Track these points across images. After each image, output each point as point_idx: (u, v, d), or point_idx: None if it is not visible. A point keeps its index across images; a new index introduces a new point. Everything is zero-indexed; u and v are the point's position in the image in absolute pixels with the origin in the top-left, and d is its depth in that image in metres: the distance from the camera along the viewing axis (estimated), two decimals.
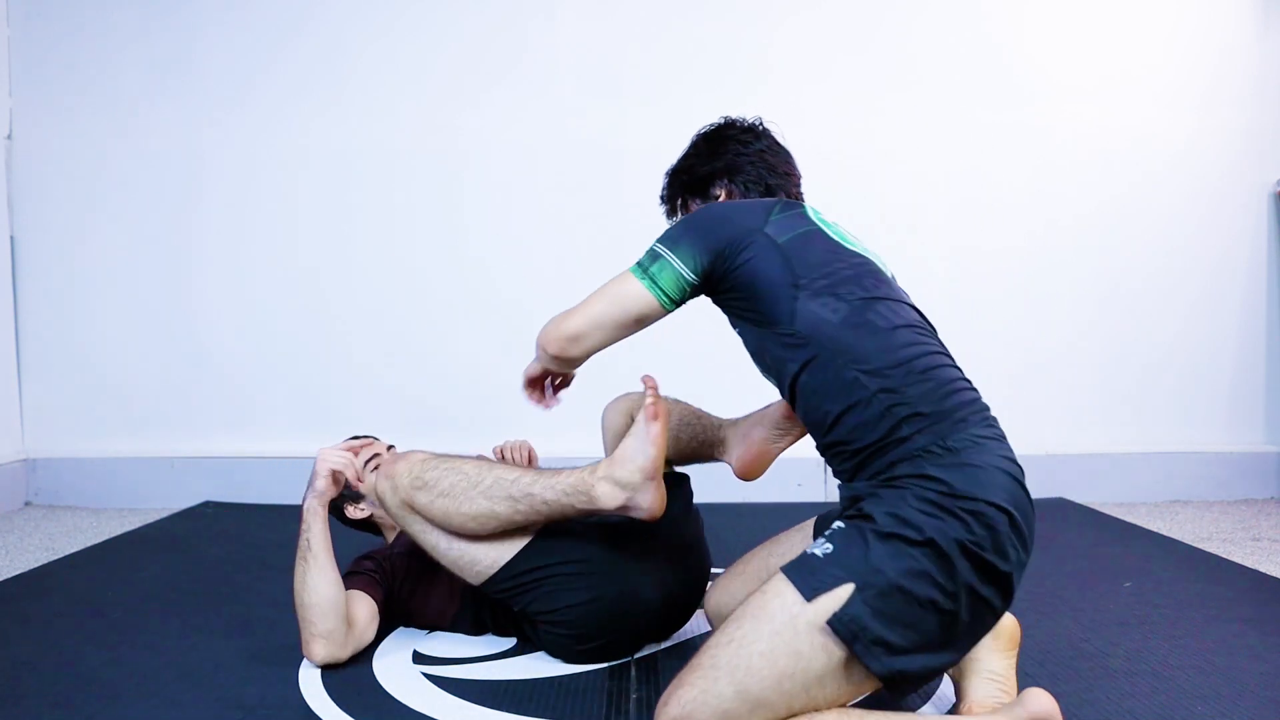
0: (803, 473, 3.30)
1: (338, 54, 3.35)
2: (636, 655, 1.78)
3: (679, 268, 1.48)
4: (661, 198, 1.82)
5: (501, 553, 1.65)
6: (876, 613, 1.24)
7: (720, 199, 1.71)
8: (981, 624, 1.32)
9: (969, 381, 1.52)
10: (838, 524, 1.34)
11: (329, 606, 1.66)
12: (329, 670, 1.71)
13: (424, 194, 3.37)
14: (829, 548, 1.30)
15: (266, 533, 2.86)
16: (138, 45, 3.35)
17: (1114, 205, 3.37)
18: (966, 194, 3.36)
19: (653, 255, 1.51)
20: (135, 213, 3.37)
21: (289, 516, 3.04)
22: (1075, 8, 3.35)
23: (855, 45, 3.35)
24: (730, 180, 1.72)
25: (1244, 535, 2.79)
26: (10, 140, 3.37)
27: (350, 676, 1.68)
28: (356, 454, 1.82)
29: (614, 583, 1.67)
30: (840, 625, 1.23)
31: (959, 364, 1.55)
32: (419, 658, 1.77)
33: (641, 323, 1.51)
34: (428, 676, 1.68)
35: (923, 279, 3.38)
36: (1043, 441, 3.37)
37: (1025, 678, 1.64)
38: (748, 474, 1.84)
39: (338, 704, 1.56)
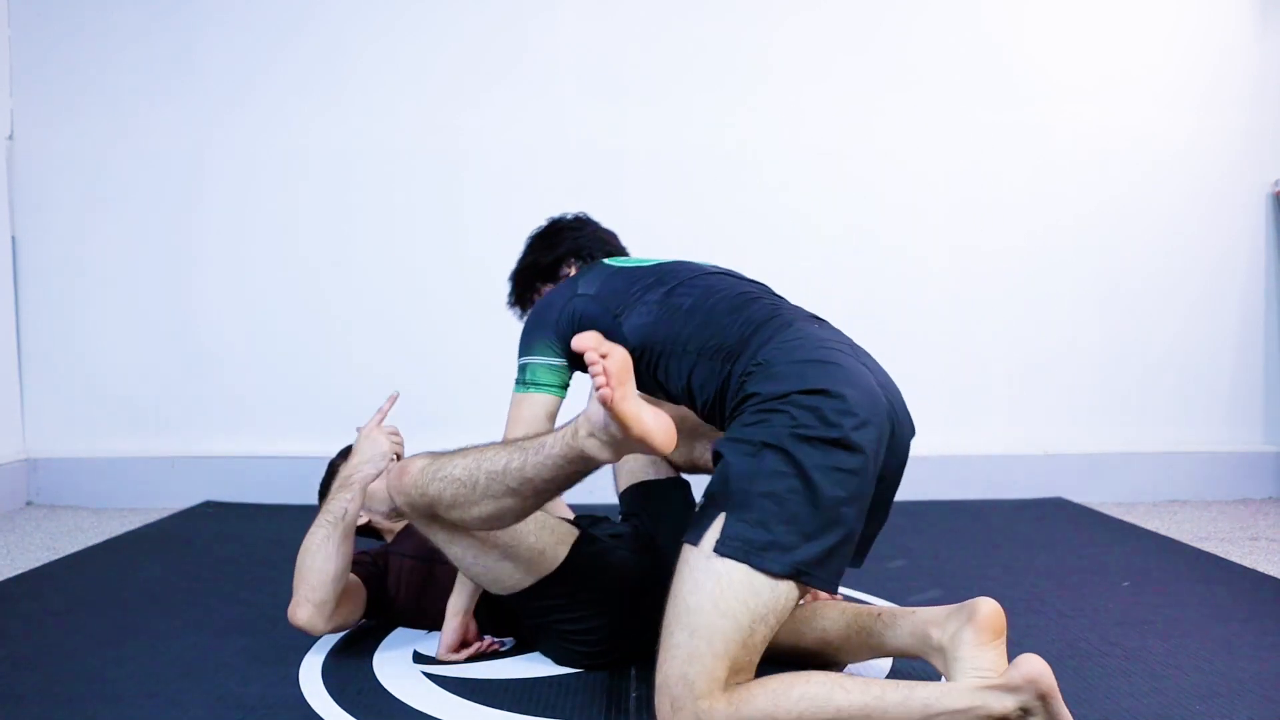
0: None
1: (338, 54, 3.35)
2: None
3: (545, 361, 1.69)
4: (510, 301, 2.00)
5: (525, 576, 1.63)
6: (754, 524, 1.34)
7: (570, 276, 1.87)
8: (849, 488, 1.37)
9: (779, 300, 1.67)
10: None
11: (333, 579, 1.65)
12: (329, 670, 1.71)
13: (424, 194, 3.37)
14: (701, 500, 1.43)
15: (266, 533, 2.86)
16: (138, 45, 3.35)
17: (1114, 205, 3.37)
18: (966, 194, 3.36)
19: (521, 369, 1.70)
20: (136, 213, 3.38)
21: (289, 516, 3.04)
22: (1075, 8, 3.36)
23: (855, 45, 3.35)
24: (577, 259, 1.92)
25: (1242, 535, 2.79)
26: (11, 141, 3.37)
27: (351, 676, 1.69)
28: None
29: (635, 614, 1.66)
30: (727, 548, 1.34)
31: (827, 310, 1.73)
32: (419, 657, 1.78)
33: (553, 418, 1.69)
34: (428, 676, 1.68)
35: (923, 279, 3.39)
36: (1042, 441, 3.38)
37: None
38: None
39: (338, 703, 1.57)
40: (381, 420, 1.85)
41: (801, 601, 1.63)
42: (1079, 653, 1.77)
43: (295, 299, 3.38)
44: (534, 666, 1.72)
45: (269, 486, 3.27)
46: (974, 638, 1.41)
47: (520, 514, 1.52)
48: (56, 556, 2.61)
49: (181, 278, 3.39)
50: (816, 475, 1.34)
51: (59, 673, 1.72)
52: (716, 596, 1.32)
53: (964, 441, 3.36)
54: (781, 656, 1.58)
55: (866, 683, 1.33)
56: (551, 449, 1.44)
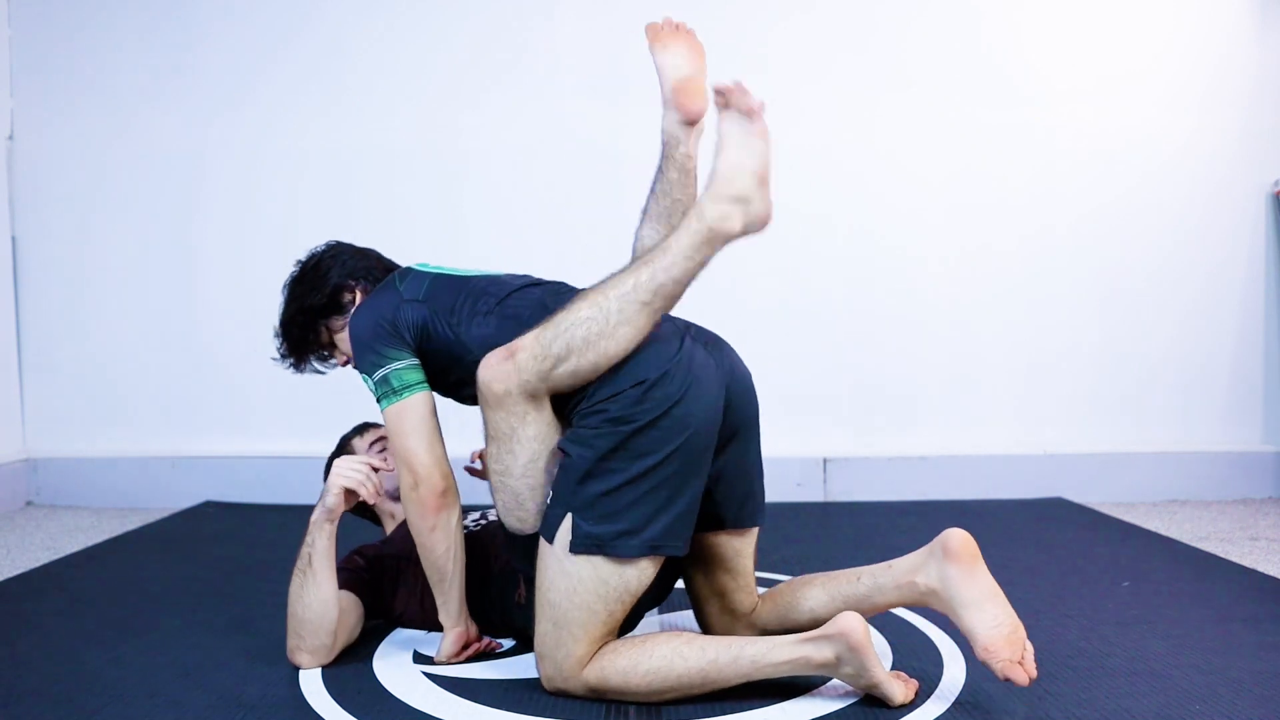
0: (803, 472, 3.30)
1: (338, 54, 3.35)
2: None
3: (403, 364, 1.64)
4: (285, 352, 1.94)
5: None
6: (599, 519, 1.47)
7: (355, 300, 1.86)
8: (681, 459, 1.48)
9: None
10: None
11: (321, 623, 1.67)
12: (329, 670, 1.71)
13: (424, 194, 3.37)
14: (551, 494, 1.53)
15: (266, 533, 2.86)
16: (138, 45, 3.35)
17: (1114, 205, 3.37)
18: (966, 194, 3.36)
19: (383, 380, 1.64)
20: (136, 213, 3.38)
21: (289, 516, 3.04)
22: (1074, 8, 3.36)
23: (854, 45, 3.35)
24: (357, 280, 1.87)
25: (1242, 535, 2.79)
26: (12, 141, 3.37)
27: (350, 676, 1.69)
28: (376, 470, 1.72)
29: None
30: (579, 547, 1.48)
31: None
32: (419, 657, 1.78)
33: (435, 412, 1.68)
34: (428, 676, 1.68)
35: (922, 279, 3.39)
36: (1042, 441, 3.38)
37: None
38: (685, 102, 1.87)
39: (338, 703, 1.57)
40: (356, 464, 1.71)
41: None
42: (1079, 653, 1.77)
43: None
44: (534, 667, 1.72)
45: (269, 486, 3.27)
46: (957, 570, 1.54)
47: (653, 326, 1.51)
48: (56, 556, 2.61)
49: (182, 277, 3.39)
50: (648, 459, 1.46)
51: (59, 673, 1.72)
52: (571, 592, 1.49)
53: (964, 441, 3.37)
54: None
55: (702, 647, 1.50)
56: (679, 243, 1.46)
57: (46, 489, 3.39)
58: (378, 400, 1.65)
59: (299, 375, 1.97)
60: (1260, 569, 2.38)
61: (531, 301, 1.68)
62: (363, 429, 2.13)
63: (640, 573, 1.51)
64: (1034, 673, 1.46)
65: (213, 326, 3.38)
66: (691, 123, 1.82)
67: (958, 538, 1.56)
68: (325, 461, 2.01)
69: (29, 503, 3.38)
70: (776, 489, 3.21)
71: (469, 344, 1.64)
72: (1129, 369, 3.39)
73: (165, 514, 3.16)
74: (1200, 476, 3.34)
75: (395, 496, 1.95)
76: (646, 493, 1.47)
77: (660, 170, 1.89)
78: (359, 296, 1.85)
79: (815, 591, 1.70)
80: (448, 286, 1.71)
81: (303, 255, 1.97)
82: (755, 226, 1.47)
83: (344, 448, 2.09)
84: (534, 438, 1.53)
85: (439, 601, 1.71)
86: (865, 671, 1.47)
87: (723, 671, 1.49)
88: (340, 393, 3.36)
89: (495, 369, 1.51)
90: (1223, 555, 2.51)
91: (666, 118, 1.88)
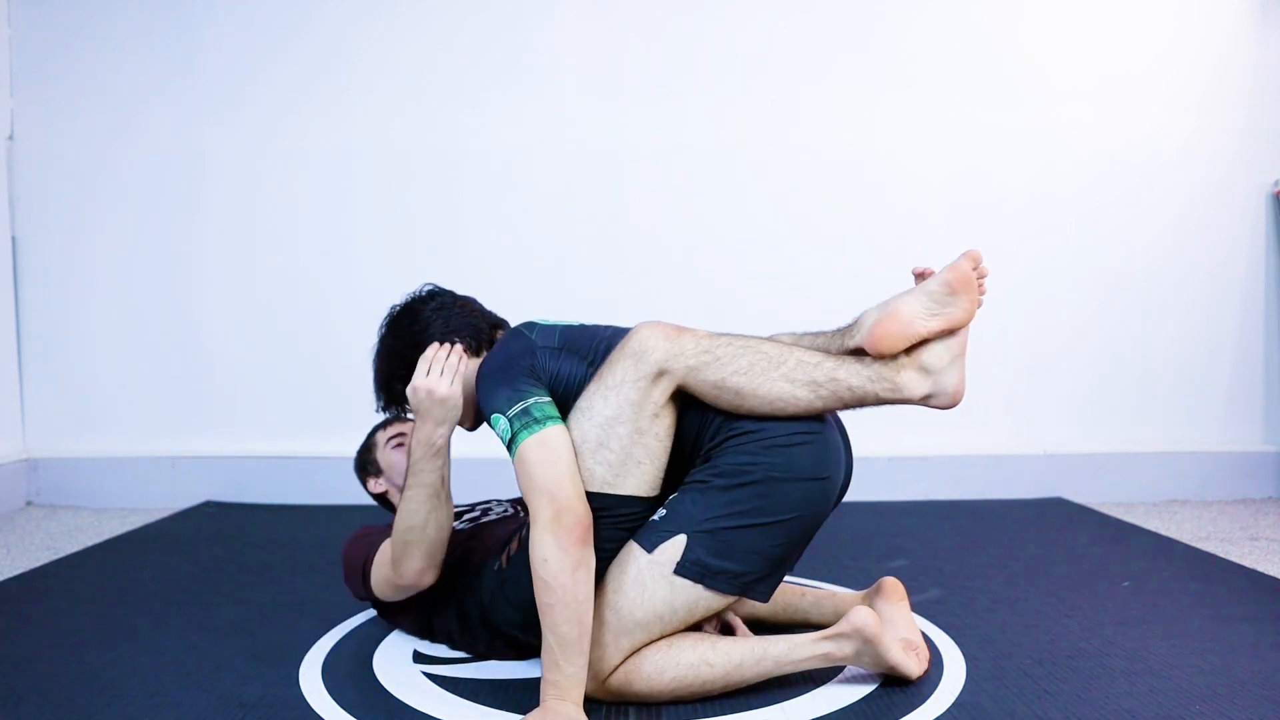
0: None
1: (338, 54, 3.35)
2: None
3: (544, 399, 1.55)
4: (386, 402, 1.82)
5: (637, 480, 1.54)
6: (713, 552, 1.50)
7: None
8: (807, 513, 1.54)
9: None
10: (674, 495, 1.56)
11: (439, 540, 1.67)
12: (329, 670, 1.71)
13: (424, 194, 3.37)
14: (664, 512, 1.54)
15: (266, 533, 2.86)
16: (138, 45, 3.35)
17: (1114, 205, 3.37)
18: (966, 195, 3.36)
19: (524, 412, 1.52)
20: (136, 213, 3.38)
21: (289, 516, 3.05)
22: (1075, 8, 3.35)
23: (854, 45, 3.35)
24: (455, 336, 1.74)
25: (1242, 535, 2.79)
26: (11, 141, 3.37)
27: (350, 676, 1.69)
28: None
29: None
30: (685, 570, 1.50)
31: None
32: (419, 657, 1.78)
33: (574, 450, 1.54)
34: (428, 676, 1.68)
35: None
36: (1042, 441, 3.38)
37: (1025, 677, 1.64)
38: (878, 344, 1.56)
39: (338, 703, 1.57)
40: (429, 371, 1.66)
41: None
42: (1079, 653, 1.77)
43: (295, 299, 3.38)
44: (534, 668, 1.72)
45: (269, 486, 3.28)
46: (887, 604, 1.72)
47: (800, 410, 1.54)
48: (56, 556, 2.61)
49: (181, 278, 3.39)
50: (784, 514, 1.52)
51: (59, 673, 1.72)
52: (638, 604, 1.51)
53: (964, 441, 3.36)
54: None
55: (727, 652, 1.54)
56: (868, 364, 1.55)
57: (46, 489, 3.38)
58: (513, 437, 1.51)
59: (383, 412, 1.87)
60: (1260, 569, 2.38)
61: None
62: (385, 424, 2.06)
63: (711, 608, 1.54)
64: (924, 666, 1.64)
65: (213, 326, 3.38)
66: (865, 352, 1.61)
67: (891, 581, 1.77)
68: (356, 459, 2.05)
69: (29, 503, 3.38)
70: (726, 574, 3.22)
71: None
72: (1129, 369, 3.39)
73: (165, 514, 3.16)
74: (1200, 476, 3.34)
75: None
76: (769, 545, 1.52)
77: (830, 339, 1.71)
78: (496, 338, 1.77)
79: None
80: (580, 334, 1.66)
81: (400, 298, 1.84)
82: (944, 399, 1.61)
83: (370, 444, 2.06)
84: (632, 402, 1.51)
85: (574, 666, 1.45)
86: (882, 657, 1.56)
87: (745, 673, 1.55)
88: (340, 393, 3.37)
89: (659, 329, 1.53)
90: (1223, 555, 2.51)
91: (866, 315, 1.63)
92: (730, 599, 1.55)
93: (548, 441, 1.50)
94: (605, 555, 1.54)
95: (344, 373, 3.35)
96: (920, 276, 1.68)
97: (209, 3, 3.35)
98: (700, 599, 1.52)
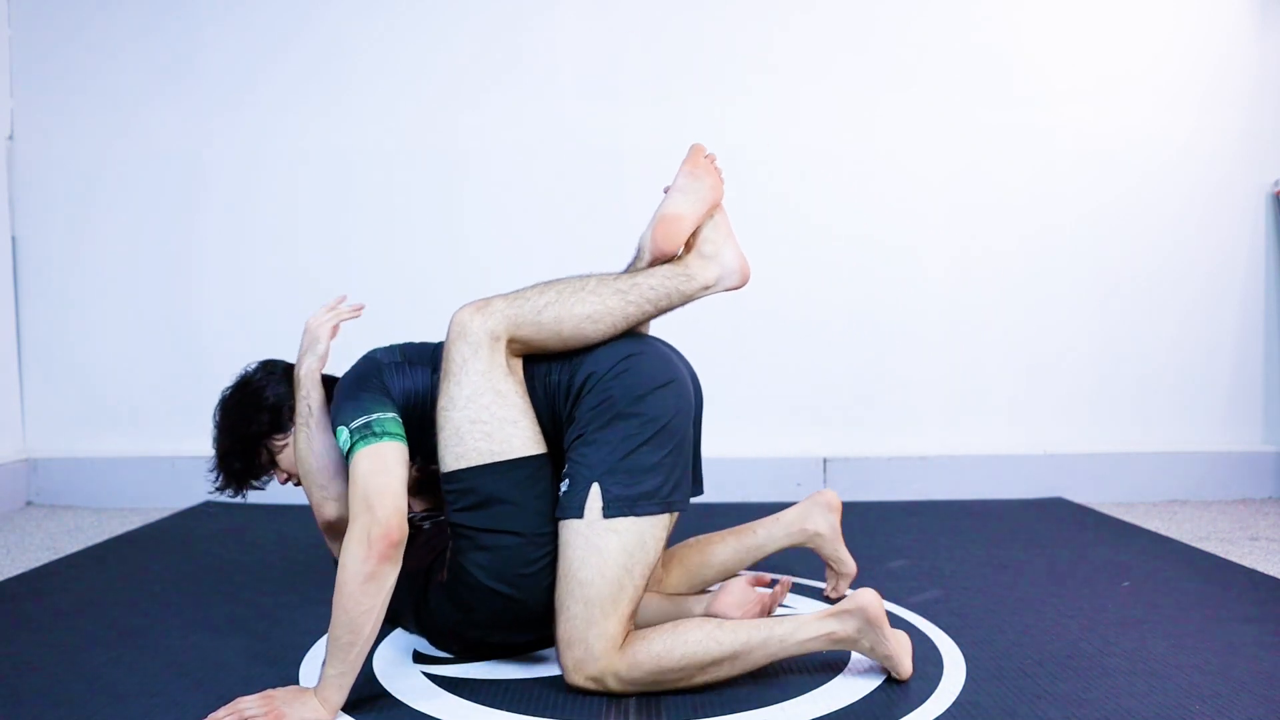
0: (803, 472, 3.30)
1: (338, 54, 3.35)
2: None
3: (387, 415, 1.61)
4: (224, 483, 1.91)
5: (508, 445, 1.61)
6: (625, 482, 1.58)
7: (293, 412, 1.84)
8: (675, 412, 1.65)
9: None
10: (566, 465, 1.64)
11: (335, 469, 1.72)
12: None
13: (424, 194, 3.37)
14: (567, 483, 1.61)
15: (266, 533, 2.86)
16: (138, 45, 3.35)
17: (1114, 205, 3.37)
18: (966, 194, 3.36)
19: (364, 426, 1.58)
20: (136, 213, 3.38)
21: (289, 516, 3.05)
22: (1075, 8, 3.36)
23: (854, 45, 3.35)
24: (291, 394, 1.85)
25: (1242, 535, 2.79)
26: (11, 141, 3.37)
27: None
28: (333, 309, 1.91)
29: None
30: (613, 510, 1.57)
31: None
32: (419, 657, 1.78)
33: (408, 468, 1.60)
34: (428, 676, 1.68)
35: (922, 279, 3.39)
36: (1042, 441, 3.38)
37: (1025, 677, 1.64)
38: (661, 244, 1.78)
39: None
40: (326, 312, 1.87)
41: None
42: (1079, 653, 1.77)
43: (295, 299, 3.37)
44: (534, 668, 1.72)
45: (269, 486, 3.26)
46: (836, 517, 2.04)
47: (619, 320, 1.68)
48: (56, 556, 2.61)
49: (182, 278, 3.39)
50: (658, 422, 1.62)
51: (59, 673, 1.72)
52: (602, 567, 1.55)
53: (964, 441, 3.37)
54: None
55: (734, 630, 1.58)
56: (660, 266, 1.75)
57: (46, 489, 3.39)
58: (350, 448, 1.56)
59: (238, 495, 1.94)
60: (1260, 569, 2.38)
61: None
62: None
63: (657, 536, 1.61)
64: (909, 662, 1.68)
65: (213, 326, 3.38)
66: (657, 261, 1.78)
67: (831, 493, 2.06)
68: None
69: (29, 503, 3.38)
70: (776, 489, 3.24)
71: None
72: (1129, 369, 3.39)
73: (165, 514, 3.16)
74: (1200, 476, 3.34)
75: None
76: (662, 455, 1.62)
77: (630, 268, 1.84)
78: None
79: (720, 548, 2.00)
80: (417, 346, 1.81)
81: (229, 382, 1.96)
82: (734, 278, 1.78)
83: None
84: (480, 372, 1.60)
85: (335, 670, 1.47)
86: (880, 643, 1.59)
87: (753, 653, 1.58)
88: None
89: (467, 308, 1.65)
90: (1223, 555, 2.52)
91: (644, 234, 1.83)
92: (665, 524, 1.63)
93: (380, 453, 1.55)
94: (538, 514, 1.61)
95: (344, 372, 3.36)
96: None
97: (209, 3, 3.35)
98: (642, 532, 1.58)
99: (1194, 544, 2.64)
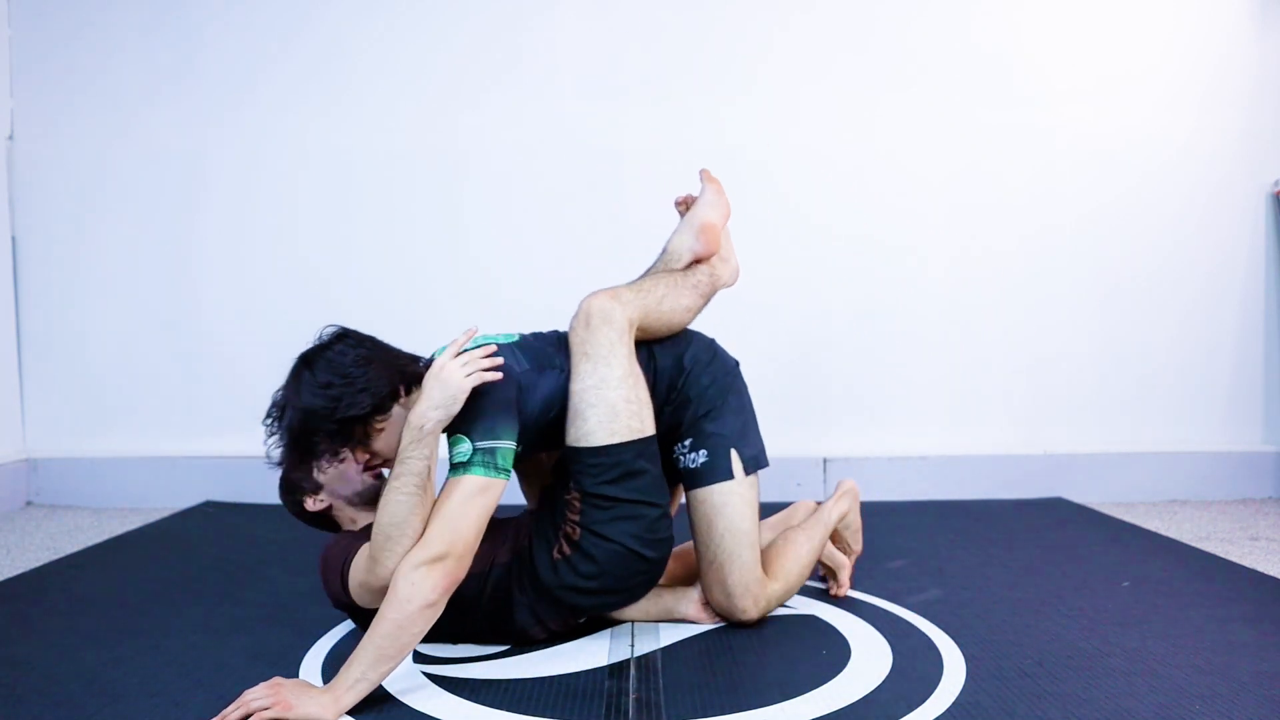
0: (803, 472, 3.30)
1: (338, 54, 3.35)
2: (636, 654, 1.78)
3: (510, 447, 1.63)
4: (297, 461, 1.77)
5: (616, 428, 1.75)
6: (753, 446, 1.92)
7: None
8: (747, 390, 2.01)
9: None
10: (689, 440, 1.88)
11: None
12: (329, 670, 1.71)
13: (424, 194, 3.37)
14: (705, 453, 1.86)
15: (267, 533, 2.86)
16: (138, 45, 3.35)
17: (1114, 205, 3.37)
18: (966, 194, 3.36)
19: (490, 451, 1.60)
20: (136, 213, 3.38)
21: (289, 517, 3.04)
22: (1075, 8, 3.36)
23: (854, 45, 3.35)
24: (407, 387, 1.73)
25: (1242, 535, 2.79)
26: (11, 141, 3.37)
27: None
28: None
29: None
30: (750, 467, 1.89)
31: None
32: (419, 657, 1.78)
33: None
34: (428, 676, 1.68)
35: (922, 279, 3.39)
36: (1042, 441, 3.38)
37: (1025, 677, 1.64)
38: (712, 245, 2.02)
39: None
40: (455, 354, 1.66)
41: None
42: (1079, 653, 1.77)
43: (295, 299, 3.38)
44: (534, 668, 1.72)
45: (269, 486, 3.24)
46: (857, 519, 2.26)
47: (696, 312, 1.97)
48: (56, 556, 2.61)
49: (182, 278, 3.39)
50: (745, 395, 1.97)
51: (59, 673, 1.72)
52: (751, 516, 1.86)
53: (964, 441, 3.37)
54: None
55: (809, 533, 2.02)
56: (700, 269, 2.00)
57: (46, 489, 3.39)
58: (464, 463, 1.57)
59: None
60: (1260, 569, 2.38)
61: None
62: None
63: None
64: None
65: (213, 326, 3.38)
66: (699, 261, 2.02)
67: (850, 482, 2.24)
68: (285, 480, 1.88)
69: (29, 503, 3.38)
70: (777, 489, 3.23)
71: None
72: (1129, 369, 3.39)
73: (165, 514, 3.16)
74: (1200, 476, 3.34)
75: (359, 502, 1.85)
76: (755, 421, 1.96)
77: (649, 273, 2.04)
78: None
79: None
80: (534, 346, 1.83)
81: (313, 349, 1.77)
82: (727, 279, 2.05)
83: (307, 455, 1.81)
84: (626, 355, 1.78)
85: (362, 675, 1.49)
86: (854, 520, 2.19)
87: (814, 540, 2.02)
88: None
89: (604, 296, 1.80)
90: (1223, 555, 2.51)
91: (682, 239, 2.04)
92: None
93: (489, 490, 1.59)
94: (664, 487, 1.82)
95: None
96: (684, 204, 2.12)
97: (209, 3, 3.35)
98: (757, 487, 1.90)
99: (1194, 544, 2.64)
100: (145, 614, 2.06)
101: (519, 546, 1.80)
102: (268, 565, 2.46)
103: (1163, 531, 2.81)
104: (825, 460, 3.33)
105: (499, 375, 1.66)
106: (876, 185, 3.38)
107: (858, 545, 2.22)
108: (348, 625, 1.97)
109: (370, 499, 1.83)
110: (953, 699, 1.56)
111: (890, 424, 3.40)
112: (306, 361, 1.75)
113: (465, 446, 1.59)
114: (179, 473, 3.34)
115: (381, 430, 1.69)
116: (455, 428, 1.62)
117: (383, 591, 1.57)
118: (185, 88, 3.36)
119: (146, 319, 3.39)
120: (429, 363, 1.76)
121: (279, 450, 1.76)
